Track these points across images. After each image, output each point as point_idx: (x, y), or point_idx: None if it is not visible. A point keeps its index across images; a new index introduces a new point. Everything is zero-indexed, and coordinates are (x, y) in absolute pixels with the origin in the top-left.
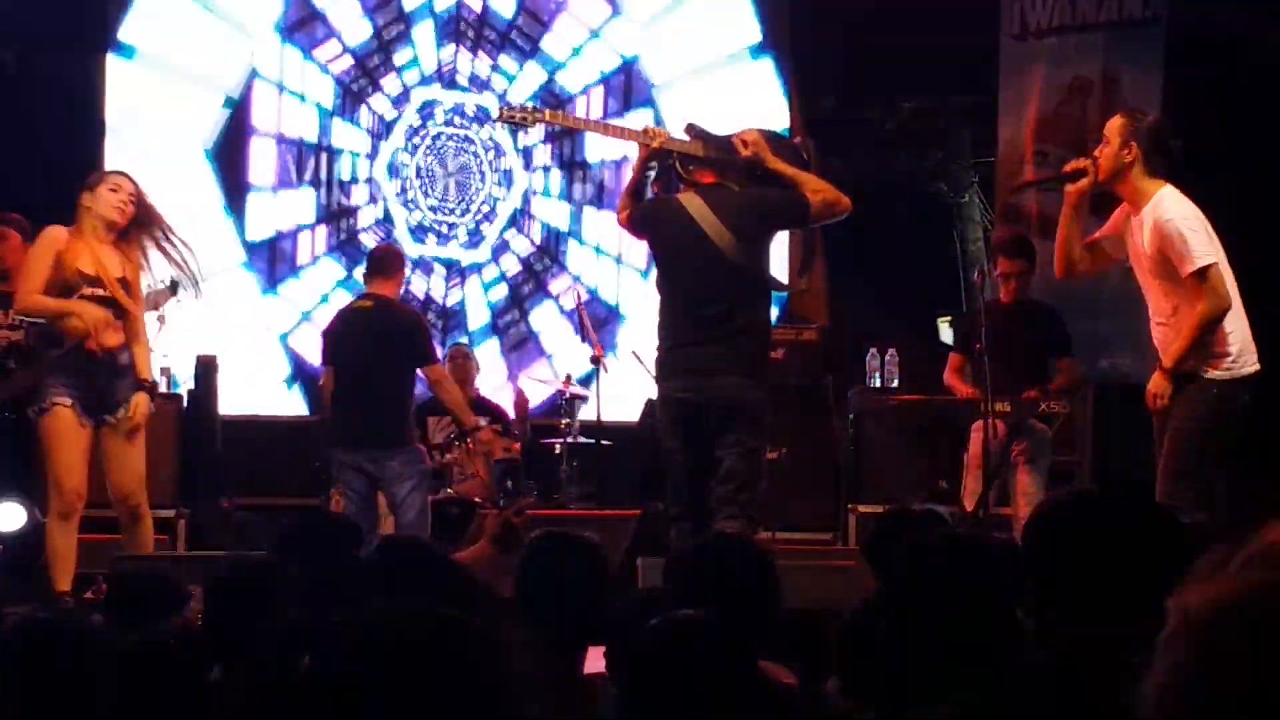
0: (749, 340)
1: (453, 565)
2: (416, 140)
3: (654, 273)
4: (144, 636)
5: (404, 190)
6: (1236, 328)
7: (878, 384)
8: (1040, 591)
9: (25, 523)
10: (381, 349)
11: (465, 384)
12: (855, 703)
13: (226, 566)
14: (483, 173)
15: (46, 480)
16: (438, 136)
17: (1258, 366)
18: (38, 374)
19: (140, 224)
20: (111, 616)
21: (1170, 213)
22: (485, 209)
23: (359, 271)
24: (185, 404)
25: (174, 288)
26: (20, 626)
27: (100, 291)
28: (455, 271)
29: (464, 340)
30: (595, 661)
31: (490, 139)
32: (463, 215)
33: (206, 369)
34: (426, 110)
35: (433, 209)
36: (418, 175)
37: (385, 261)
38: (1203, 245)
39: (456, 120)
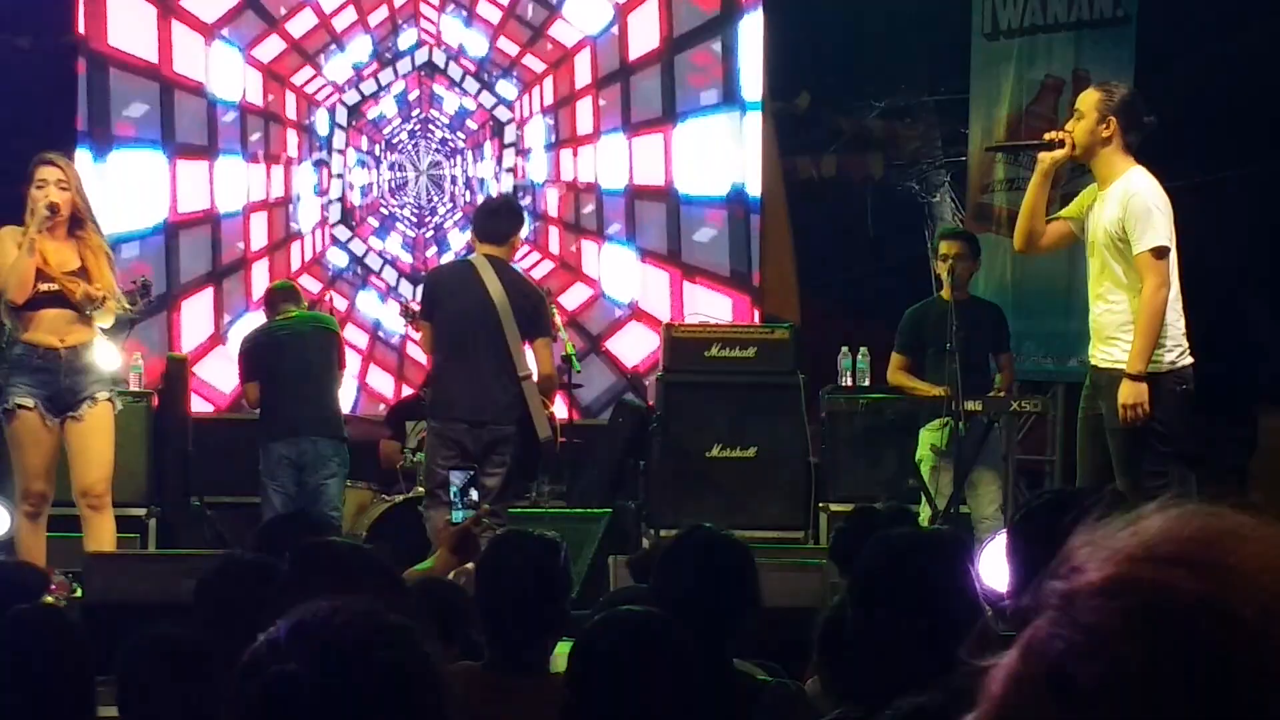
0: None
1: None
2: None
3: None
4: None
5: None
6: (1175, 321)
7: (849, 383)
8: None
9: (10, 526)
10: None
11: None
12: (834, 700)
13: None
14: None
15: (15, 479)
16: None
17: (1192, 360)
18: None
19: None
20: None
21: (1140, 188)
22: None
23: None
24: (156, 403)
25: (145, 288)
26: None
27: (51, 287)
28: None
29: None
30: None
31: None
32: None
33: (177, 368)
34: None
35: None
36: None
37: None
38: (1164, 227)
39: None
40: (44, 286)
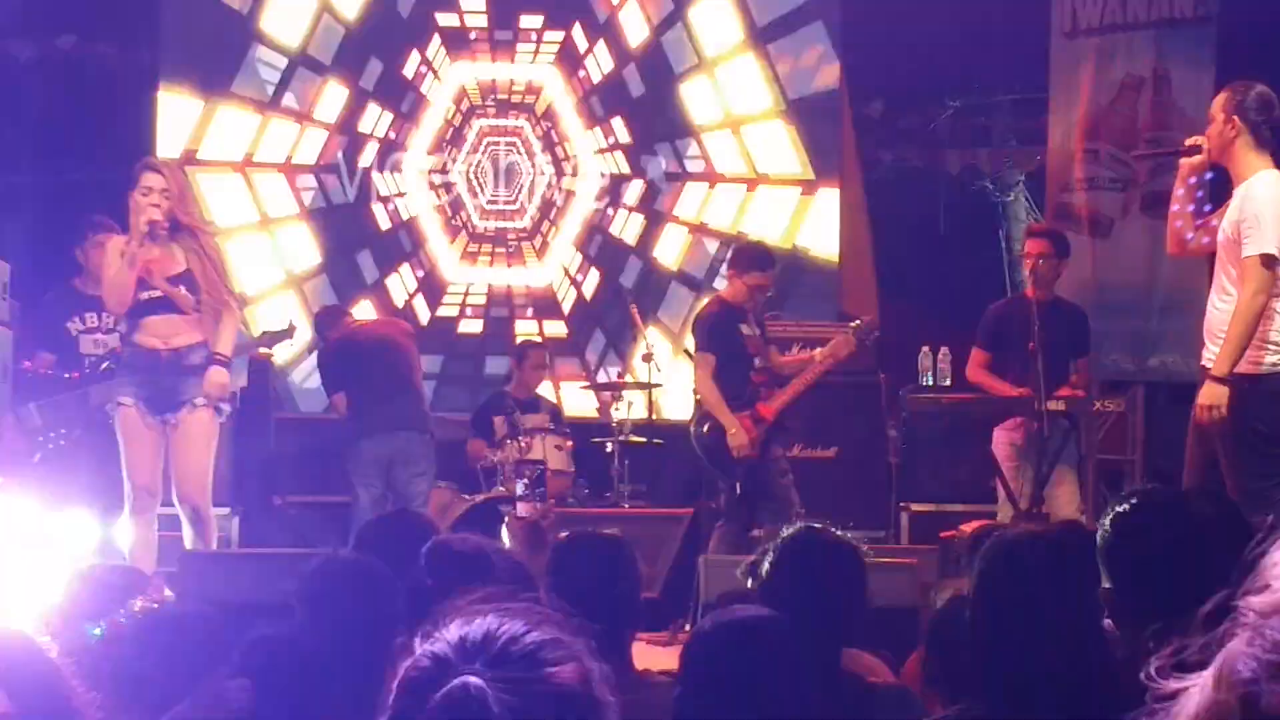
0: None
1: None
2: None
3: None
4: None
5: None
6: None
7: (929, 383)
8: (1118, 590)
9: (96, 536)
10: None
11: (534, 385)
12: (940, 697)
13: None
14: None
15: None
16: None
17: None
18: None
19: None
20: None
21: (1259, 193)
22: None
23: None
24: (239, 403)
25: (289, 330)
26: None
27: (153, 294)
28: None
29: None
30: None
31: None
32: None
33: (260, 368)
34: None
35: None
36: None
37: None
38: (1273, 235)
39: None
40: (145, 295)
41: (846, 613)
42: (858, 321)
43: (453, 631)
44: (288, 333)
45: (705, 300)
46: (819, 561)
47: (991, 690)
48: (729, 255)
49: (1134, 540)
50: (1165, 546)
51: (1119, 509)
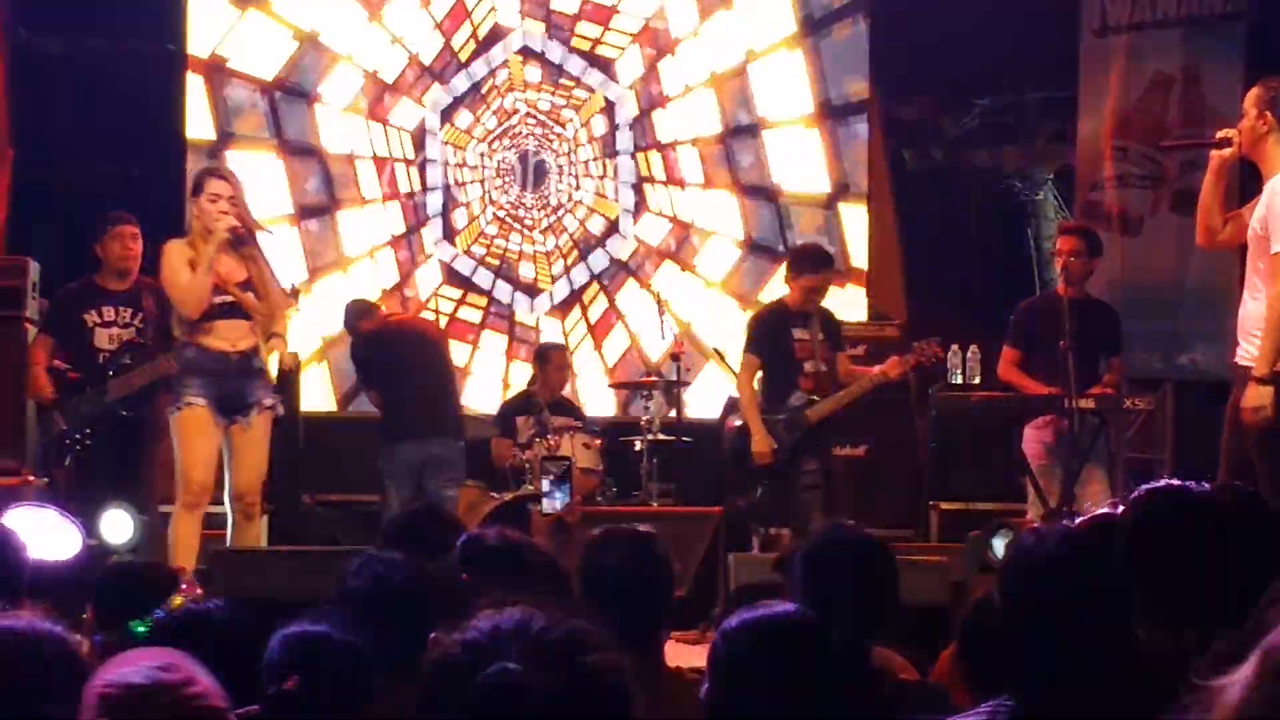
0: None
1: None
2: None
3: None
4: None
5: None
6: None
7: (959, 381)
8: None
9: (133, 533)
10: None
11: (559, 387)
12: (971, 695)
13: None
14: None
15: (175, 472)
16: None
17: None
18: (153, 371)
19: (246, 231)
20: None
21: None
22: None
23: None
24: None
25: (294, 294)
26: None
27: (226, 298)
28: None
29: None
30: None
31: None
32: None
33: (290, 367)
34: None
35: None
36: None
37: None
38: None
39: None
40: (218, 299)
41: (875, 611)
42: (923, 344)
43: (485, 621)
44: (291, 296)
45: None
46: (849, 559)
47: (1023, 688)
48: (787, 258)
49: (1153, 534)
50: (1185, 540)
51: (1138, 501)
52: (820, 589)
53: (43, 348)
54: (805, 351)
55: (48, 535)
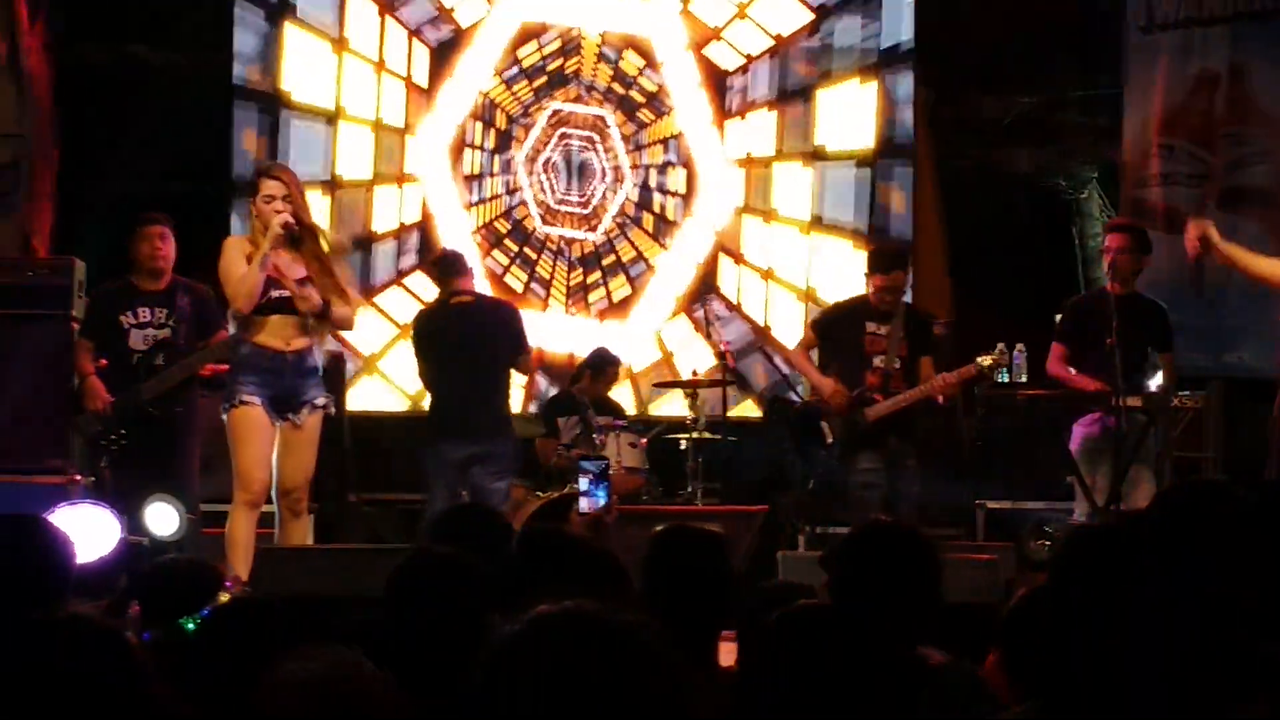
0: None
1: (602, 554)
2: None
3: None
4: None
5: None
6: None
7: (1005, 379)
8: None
9: (178, 526)
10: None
11: (604, 392)
12: (1019, 694)
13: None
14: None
15: (234, 472)
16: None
17: None
18: (186, 368)
19: (305, 229)
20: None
21: None
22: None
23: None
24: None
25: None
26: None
27: (281, 293)
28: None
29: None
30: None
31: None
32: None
33: (334, 366)
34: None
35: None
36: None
37: (461, 261)
38: None
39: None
40: (275, 293)
41: (917, 608)
42: (989, 358)
43: (543, 611)
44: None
45: None
46: (889, 556)
47: (1071, 686)
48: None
49: (1181, 528)
50: (1210, 534)
51: (1168, 497)
52: (860, 586)
53: (86, 352)
54: (876, 347)
55: (89, 532)
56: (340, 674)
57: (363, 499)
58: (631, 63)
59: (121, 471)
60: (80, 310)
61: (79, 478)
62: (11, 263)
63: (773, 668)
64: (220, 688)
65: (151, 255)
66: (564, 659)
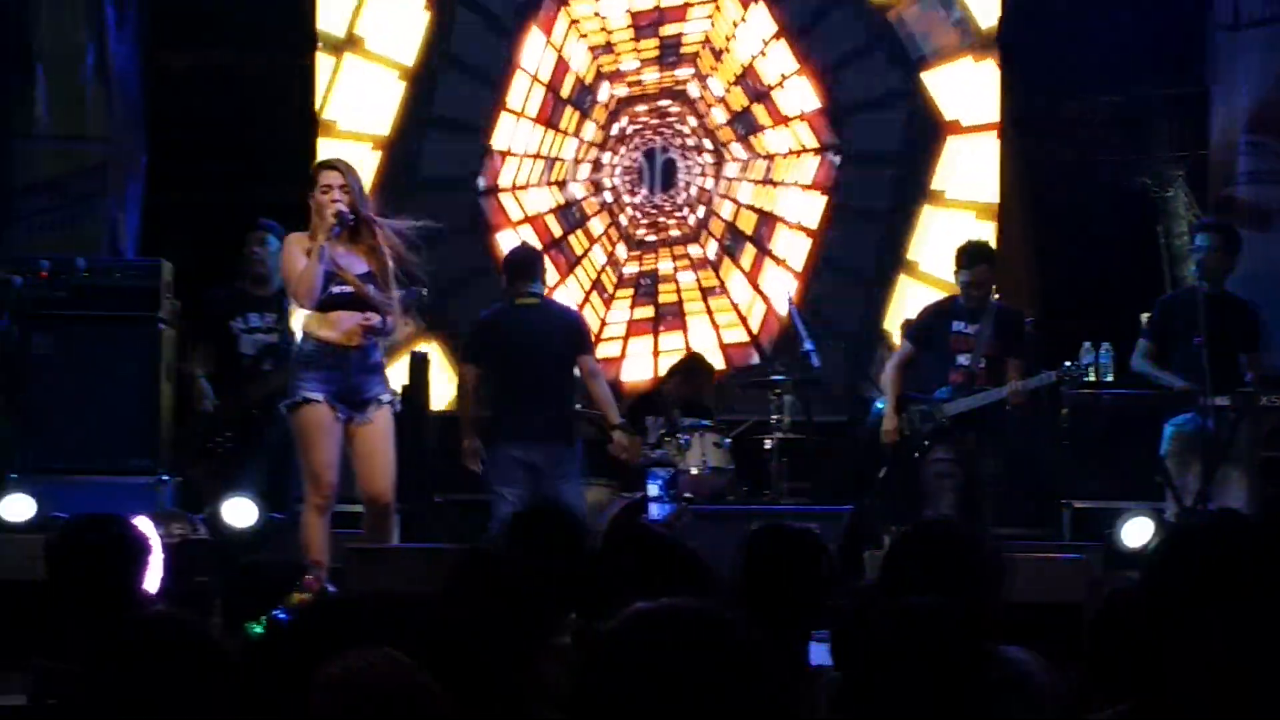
0: None
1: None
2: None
3: None
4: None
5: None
6: None
7: (1092, 378)
8: None
9: (256, 520)
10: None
11: (691, 395)
12: (1105, 695)
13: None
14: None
15: (302, 474)
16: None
17: None
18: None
19: (363, 220)
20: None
21: None
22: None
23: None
24: (399, 400)
25: (413, 292)
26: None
27: (344, 289)
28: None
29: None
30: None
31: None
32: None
33: (419, 365)
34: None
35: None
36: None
37: (531, 264)
38: None
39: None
40: (336, 289)
41: (969, 608)
42: (1071, 364)
43: (637, 609)
44: (411, 297)
45: None
46: (939, 555)
47: (1163, 687)
48: None
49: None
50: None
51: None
52: (906, 585)
53: (196, 355)
54: (962, 346)
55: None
56: (376, 675)
57: (448, 499)
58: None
59: (220, 471)
60: (168, 313)
61: (166, 479)
62: (100, 265)
63: (874, 667)
64: (280, 692)
65: (252, 263)
66: (666, 654)
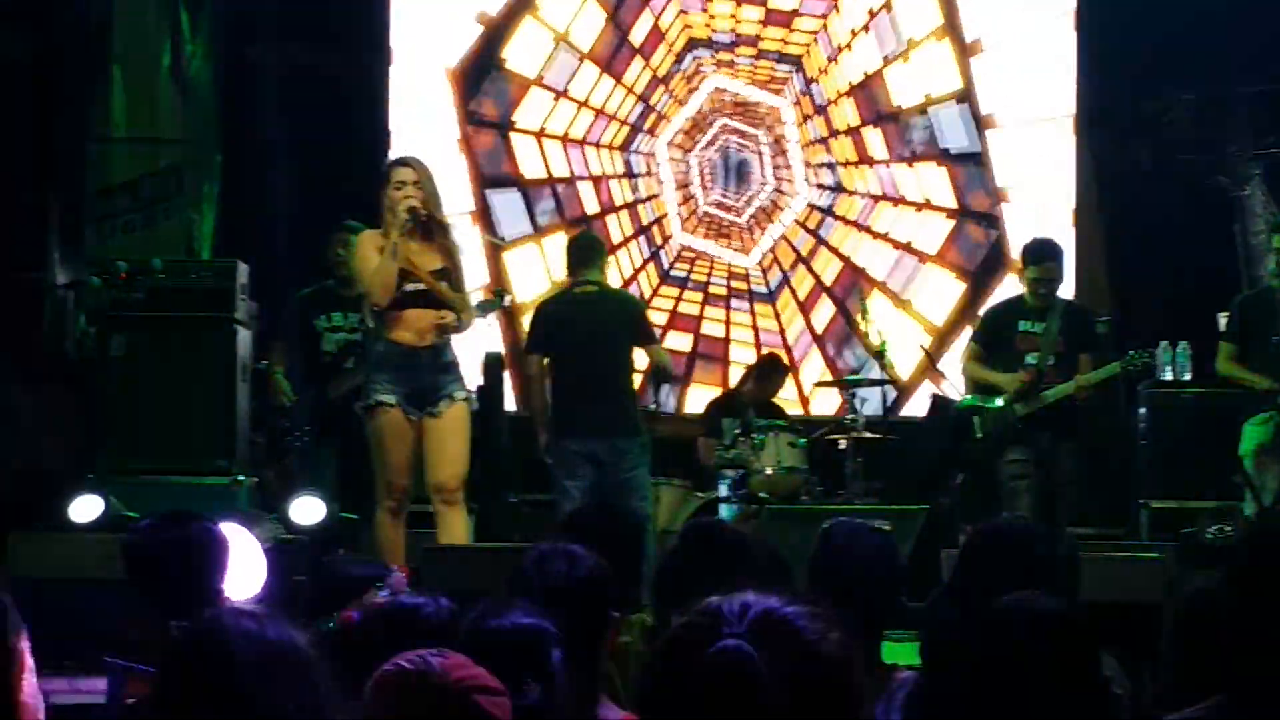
0: None
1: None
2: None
3: None
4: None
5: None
6: None
7: (1169, 377)
8: None
9: (323, 517)
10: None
11: (767, 397)
12: (1186, 695)
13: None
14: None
15: (375, 475)
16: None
17: None
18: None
19: (429, 216)
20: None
21: None
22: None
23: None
24: (474, 401)
25: (500, 296)
26: None
27: (417, 287)
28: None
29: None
30: None
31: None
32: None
33: (494, 366)
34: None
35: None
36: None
37: (592, 251)
38: None
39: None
40: (410, 286)
41: None
42: (1134, 354)
43: (714, 602)
44: (498, 302)
45: None
46: (1014, 555)
47: (1246, 688)
48: None
49: None
50: None
51: None
52: (968, 586)
53: (277, 352)
54: (1029, 345)
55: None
56: (432, 675)
57: (522, 499)
58: None
59: (294, 469)
60: (244, 313)
61: (242, 479)
62: (176, 266)
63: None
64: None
65: (335, 263)
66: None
